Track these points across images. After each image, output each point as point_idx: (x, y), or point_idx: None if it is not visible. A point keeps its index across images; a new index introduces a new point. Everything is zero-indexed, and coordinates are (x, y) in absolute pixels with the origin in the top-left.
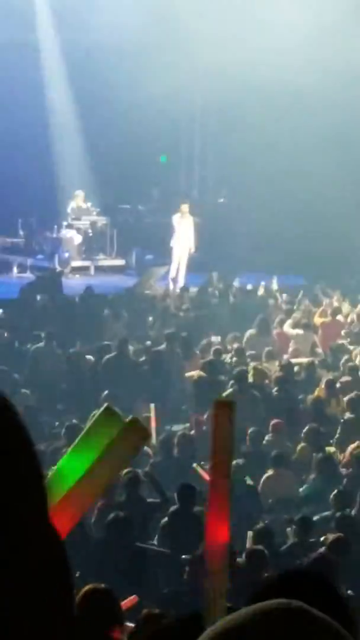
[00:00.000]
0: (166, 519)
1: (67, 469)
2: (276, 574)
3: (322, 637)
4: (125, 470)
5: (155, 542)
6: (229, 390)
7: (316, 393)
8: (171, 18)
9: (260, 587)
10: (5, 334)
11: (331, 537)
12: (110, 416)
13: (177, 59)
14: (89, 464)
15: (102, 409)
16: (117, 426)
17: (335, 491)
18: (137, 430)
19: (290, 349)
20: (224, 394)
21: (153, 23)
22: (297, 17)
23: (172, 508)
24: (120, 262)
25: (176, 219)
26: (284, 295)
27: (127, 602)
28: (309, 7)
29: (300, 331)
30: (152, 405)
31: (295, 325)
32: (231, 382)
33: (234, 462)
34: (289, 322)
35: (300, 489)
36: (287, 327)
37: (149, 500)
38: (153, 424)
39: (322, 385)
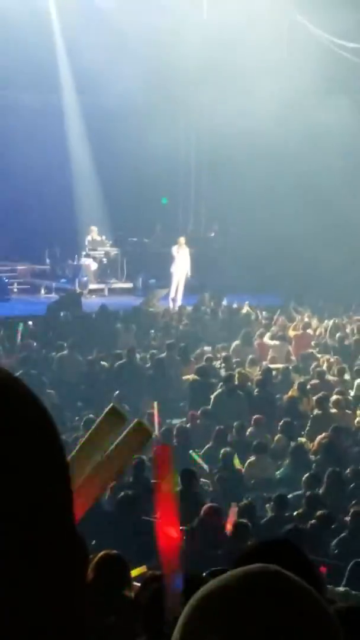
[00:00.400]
0: None
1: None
2: (256, 542)
3: (297, 596)
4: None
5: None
6: (219, 391)
7: (290, 393)
8: (171, 86)
9: (243, 553)
10: (35, 344)
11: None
12: (115, 416)
13: (176, 118)
14: (95, 461)
15: (107, 409)
16: (122, 425)
17: (306, 474)
18: (142, 431)
19: (268, 357)
20: (214, 394)
21: (156, 89)
22: (274, 86)
23: (178, 488)
24: (129, 285)
25: (175, 249)
26: (264, 313)
27: (137, 571)
28: (286, 77)
29: (277, 342)
30: (155, 403)
31: (273, 337)
32: (220, 384)
33: (222, 450)
34: (268, 334)
35: (277, 472)
36: (266, 339)
37: (152, 481)
38: (156, 418)
39: (295, 387)
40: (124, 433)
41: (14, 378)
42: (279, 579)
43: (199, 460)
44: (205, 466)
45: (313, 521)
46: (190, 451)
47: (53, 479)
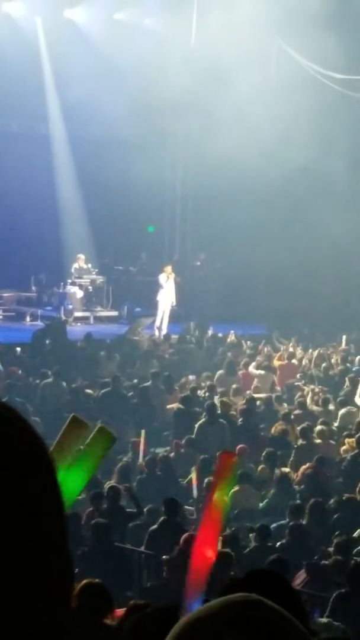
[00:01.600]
0: (155, 525)
1: None
2: (241, 573)
3: (278, 626)
4: (109, 485)
5: (130, 544)
6: (202, 420)
7: (278, 425)
8: (158, 115)
9: (228, 583)
10: (20, 372)
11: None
12: (77, 425)
13: (163, 147)
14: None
15: (69, 419)
16: (86, 433)
17: (290, 504)
18: (106, 436)
19: (253, 386)
20: (198, 423)
21: (143, 118)
22: (262, 116)
23: (161, 518)
24: (114, 313)
25: (161, 278)
26: (249, 342)
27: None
28: (274, 108)
29: (262, 372)
30: (143, 432)
31: (258, 367)
32: (204, 413)
33: (206, 479)
34: (253, 364)
35: (261, 503)
36: (251, 368)
37: (128, 510)
38: (142, 447)
39: (280, 418)
40: (90, 439)
41: (8, 407)
42: (261, 609)
43: (193, 483)
44: (195, 492)
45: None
46: (192, 474)
47: (51, 509)
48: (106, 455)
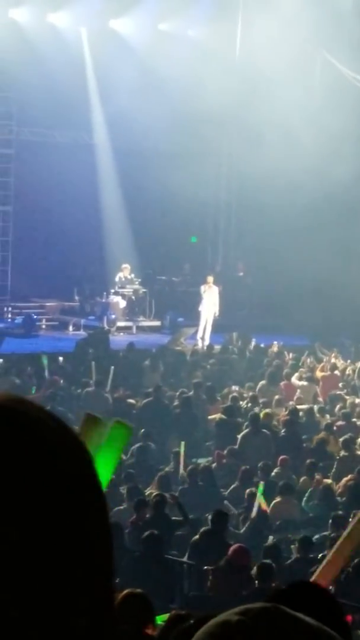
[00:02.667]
0: (197, 536)
1: None
2: (283, 584)
3: (297, 634)
4: (154, 494)
5: (175, 552)
6: (245, 430)
7: (320, 435)
8: (202, 125)
9: (270, 594)
10: (62, 381)
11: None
12: (94, 423)
13: (206, 157)
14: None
15: (83, 420)
16: (103, 429)
17: (333, 515)
18: (123, 428)
19: (295, 397)
20: (241, 434)
21: (186, 128)
22: (306, 127)
23: (204, 528)
24: (156, 323)
25: (203, 288)
26: (291, 354)
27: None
28: (318, 119)
29: (305, 383)
30: (183, 442)
31: (300, 378)
32: (246, 423)
33: (248, 490)
34: (296, 374)
35: (303, 514)
36: (294, 379)
37: (173, 518)
38: (182, 457)
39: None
40: (107, 435)
41: (56, 418)
42: (279, 616)
43: (263, 504)
44: (232, 509)
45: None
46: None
47: (96, 516)
48: (124, 448)
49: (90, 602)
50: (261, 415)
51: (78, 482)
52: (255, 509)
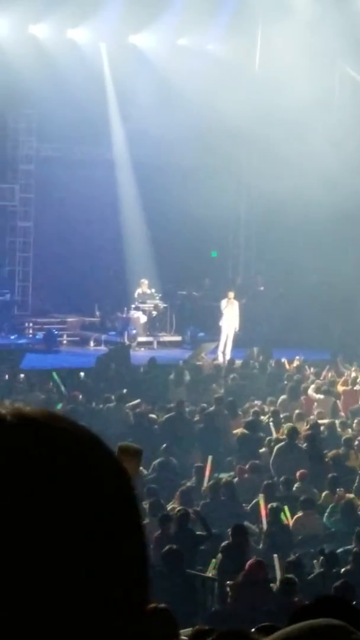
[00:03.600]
0: (220, 553)
1: None
2: (305, 599)
3: None
4: (177, 509)
5: (200, 567)
6: (281, 444)
7: (341, 450)
8: (221, 139)
9: (298, 609)
10: (80, 397)
11: None
12: (130, 453)
13: (225, 174)
14: None
15: (117, 451)
16: (137, 457)
17: (356, 530)
18: (130, 450)
19: (315, 412)
20: (277, 446)
21: (206, 142)
22: (326, 141)
23: (224, 543)
24: (177, 338)
25: (224, 303)
26: (312, 368)
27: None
28: (338, 133)
29: (321, 396)
30: (210, 457)
31: (317, 391)
32: (268, 438)
33: (269, 505)
34: (312, 387)
35: (327, 527)
36: (311, 392)
37: (197, 532)
38: (207, 473)
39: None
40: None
41: (93, 436)
42: (345, 634)
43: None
44: (253, 527)
45: None
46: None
47: (135, 535)
48: (139, 471)
49: (125, 622)
50: (293, 429)
51: (118, 501)
52: (264, 520)
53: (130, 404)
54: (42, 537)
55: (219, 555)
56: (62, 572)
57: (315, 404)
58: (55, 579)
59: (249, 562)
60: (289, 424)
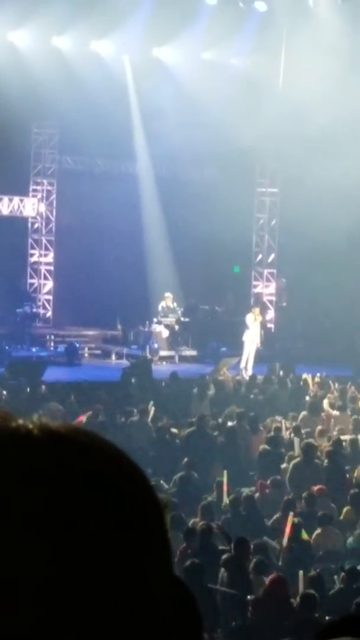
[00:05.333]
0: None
1: None
2: (326, 614)
3: None
4: (200, 523)
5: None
6: (297, 460)
7: None
8: (243, 157)
9: (325, 627)
10: (102, 409)
11: None
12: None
13: (249, 189)
14: None
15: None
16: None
17: None
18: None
19: (337, 428)
20: (292, 462)
21: (228, 160)
22: (351, 158)
23: (225, 556)
24: (193, 352)
25: (249, 318)
26: (337, 384)
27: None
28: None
29: (337, 412)
30: (225, 471)
31: (332, 407)
32: (292, 452)
33: (293, 520)
34: (326, 401)
35: (347, 544)
36: (327, 407)
37: (220, 547)
38: (225, 487)
39: None
40: None
41: (122, 453)
42: None
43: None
44: (274, 544)
45: None
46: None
47: (162, 551)
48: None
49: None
50: (311, 445)
51: (144, 515)
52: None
53: (151, 415)
54: (68, 549)
55: (222, 569)
56: (89, 588)
57: (333, 420)
58: (82, 593)
59: (270, 578)
60: (306, 440)
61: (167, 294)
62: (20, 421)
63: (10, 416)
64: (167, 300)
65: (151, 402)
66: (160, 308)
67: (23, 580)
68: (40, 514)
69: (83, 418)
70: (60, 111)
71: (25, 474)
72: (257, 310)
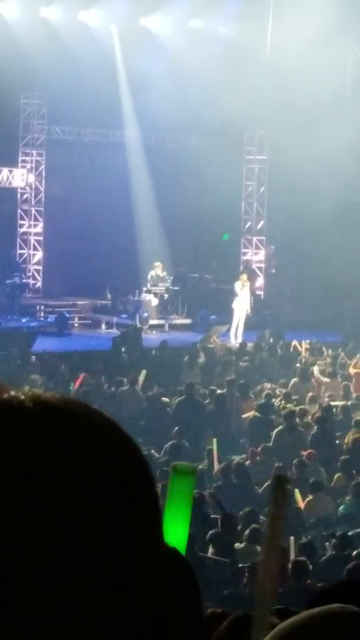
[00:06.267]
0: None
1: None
2: (317, 581)
3: None
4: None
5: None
6: (280, 427)
7: (353, 433)
8: (232, 123)
9: (317, 594)
10: (102, 378)
11: None
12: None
13: (238, 156)
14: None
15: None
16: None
17: None
18: (184, 471)
19: (326, 394)
20: (275, 430)
21: (216, 127)
22: (338, 124)
23: (213, 531)
24: (189, 321)
25: (237, 285)
26: (329, 350)
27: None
28: (351, 115)
29: (327, 379)
30: (215, 440)
31: (322, 373)
32: (279, 420)
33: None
34: (316, 368)
35: (338, 510)
36: (317, 374)
37: (212, 516)
38: (215, 455)
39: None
40: (169, 482)
41: (114, 423)
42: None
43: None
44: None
45: None
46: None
47: (153, 519)
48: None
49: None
50: (296, 411)
51: (136, 484)
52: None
53: (140, 384)
54: (62, 520)
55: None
56: (81, 557)
57: (323, 387)
58: (75, 559)
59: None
60: (287, 407)
61: (157, 263)
62: (12, 392)
63: (2, 387)
64: (157, 269)
65: (143, 371)
66: (149, 277)
67: (14, 539)
68: (31, 481)
69: (78, 383)
70: (48, 82)
71: (19, 444)
72: (244, 277)
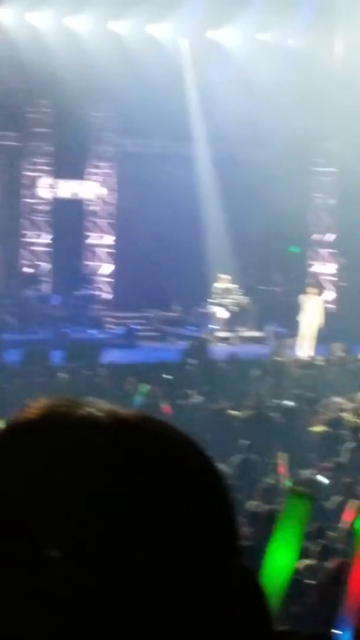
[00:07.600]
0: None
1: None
2: None
3: None
4: (251, 506)
5: None
6: (349, 443)
7: None
8: (300, 137)
9: None
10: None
11: None
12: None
13: (309, 169)
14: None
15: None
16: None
17: None
18: (301, 497)
19: None
20: (344, 445)
21: (287, 141)
22: None
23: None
24: (258, 334)
25: (304, 298)
26: None
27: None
28: None
29: None
30: (284, 455)
31: None
32: (349, 435)
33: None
34: None
35: None
36: None
37: None
38: (282, 470)
39: None
40: (285, 504)
41: (190, 440)
42: None
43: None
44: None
45: None
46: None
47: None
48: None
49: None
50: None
51: (212, 501)
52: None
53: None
54: (138, 537)
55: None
56: (160, 574)
57: None
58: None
59: (334, 563)
60: (358, 422)
61: (223, 275)
62: (88, 409)
63: (76, 403)
64: (224, 281)
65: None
66: (218, 289)
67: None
68: (109, 498)
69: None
70: (118, 94)
71: (95, 462)
72: (312, 290)
